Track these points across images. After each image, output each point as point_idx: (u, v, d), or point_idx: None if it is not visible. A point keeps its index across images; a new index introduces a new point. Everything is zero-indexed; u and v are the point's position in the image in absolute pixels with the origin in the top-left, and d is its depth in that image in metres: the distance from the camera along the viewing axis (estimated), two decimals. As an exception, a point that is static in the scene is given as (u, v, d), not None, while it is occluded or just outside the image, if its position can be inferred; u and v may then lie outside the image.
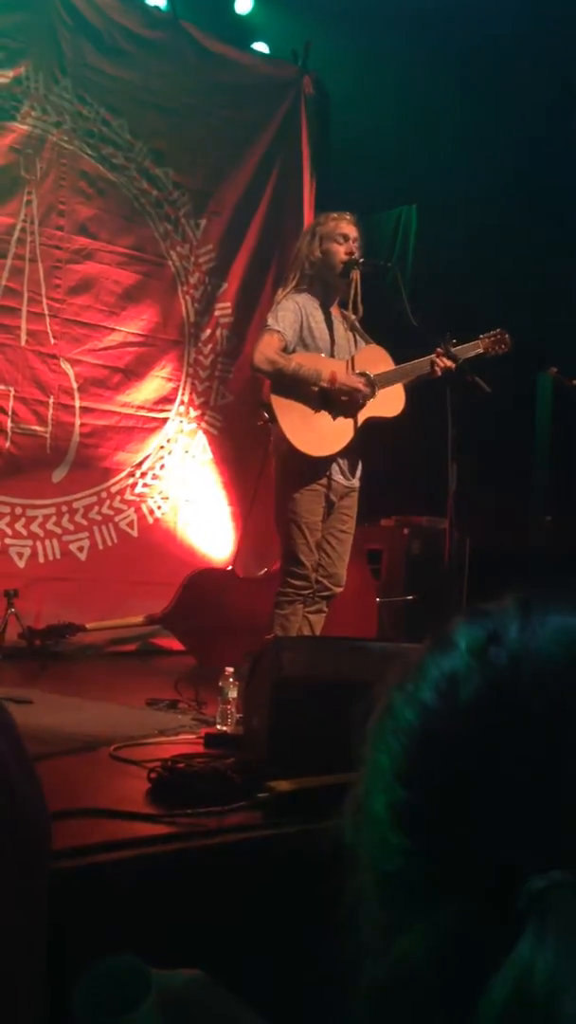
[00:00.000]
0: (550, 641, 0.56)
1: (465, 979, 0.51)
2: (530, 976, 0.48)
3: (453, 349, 3.99)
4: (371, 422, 4.03)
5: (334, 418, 3.95)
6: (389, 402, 4.06)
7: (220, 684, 3.27)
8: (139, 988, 0.68)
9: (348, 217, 4.05)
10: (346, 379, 3.91)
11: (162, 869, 1.89)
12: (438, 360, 3.97)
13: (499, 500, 5.65)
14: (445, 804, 0.55)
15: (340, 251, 3.98)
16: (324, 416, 3.94)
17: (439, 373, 3.97)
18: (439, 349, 3.98)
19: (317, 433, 3.93)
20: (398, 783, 0.57)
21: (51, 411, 5.40)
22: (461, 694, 0.56)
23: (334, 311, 4.09)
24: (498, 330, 4.17)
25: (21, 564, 5.25)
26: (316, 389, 3.90)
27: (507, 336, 4.17)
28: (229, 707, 3.22)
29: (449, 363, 3.95)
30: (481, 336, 4.16)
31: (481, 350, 4.13)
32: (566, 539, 5.41)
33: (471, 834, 0.54)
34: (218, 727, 3.19)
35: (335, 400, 3.92)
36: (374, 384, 3.98)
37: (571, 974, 0.47)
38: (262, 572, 5.54)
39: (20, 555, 5.27)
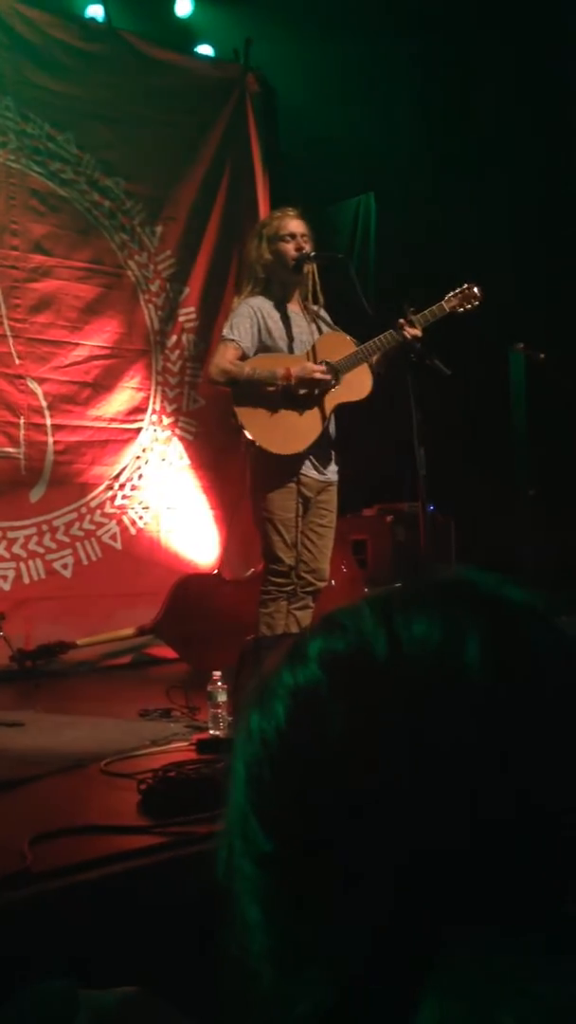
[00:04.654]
0: (418, 659, 0.49)
1: None
2: None
3: (415, 316, 3.88)
4: (341, 408, 4.01)
5: (300, 413, 3.93)
6: (355, 386, 4.02)
7: (209, 689, 3.26)
8: (65, 1011, 0.67)
9: (291, 212, 4.01)
10: (301, 372, 3.88)
11: (153, 881, 1.89)
12: (405, 329, 3.81)
13: (482, 479, 5.64)
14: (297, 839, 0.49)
15: (289, 249, 3.94)
16: (289, 414, 3.91)
17: (409, 339, 3.80)
18: (400, 320, 3.84)
19: (284, 432, 3.91)
20: (248, 796, 0.52)
21: (23, 431, 5.38)
22: (318, 722, 0.50)
23: (294, 307, 4.06)
24: (465, 285, 3.97)
25: (6, 587, 5.23)
26: (274, 389, 3.88)
27: (475, 289, 3.95)
28: (219, 711, 3.21)
29: (416, 330, 3.84)
30: (448, 296, 3.98)
31: (448, 310, 3.96)
32: (550, 512, 5.41)
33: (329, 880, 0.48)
34: (210, 732, 3.19)
35: (296, 395, 3.90)
36: (337, 370, 3.94)
37: None
38: (249, 573, 5.52)
39: (5, 578, 5.25)
